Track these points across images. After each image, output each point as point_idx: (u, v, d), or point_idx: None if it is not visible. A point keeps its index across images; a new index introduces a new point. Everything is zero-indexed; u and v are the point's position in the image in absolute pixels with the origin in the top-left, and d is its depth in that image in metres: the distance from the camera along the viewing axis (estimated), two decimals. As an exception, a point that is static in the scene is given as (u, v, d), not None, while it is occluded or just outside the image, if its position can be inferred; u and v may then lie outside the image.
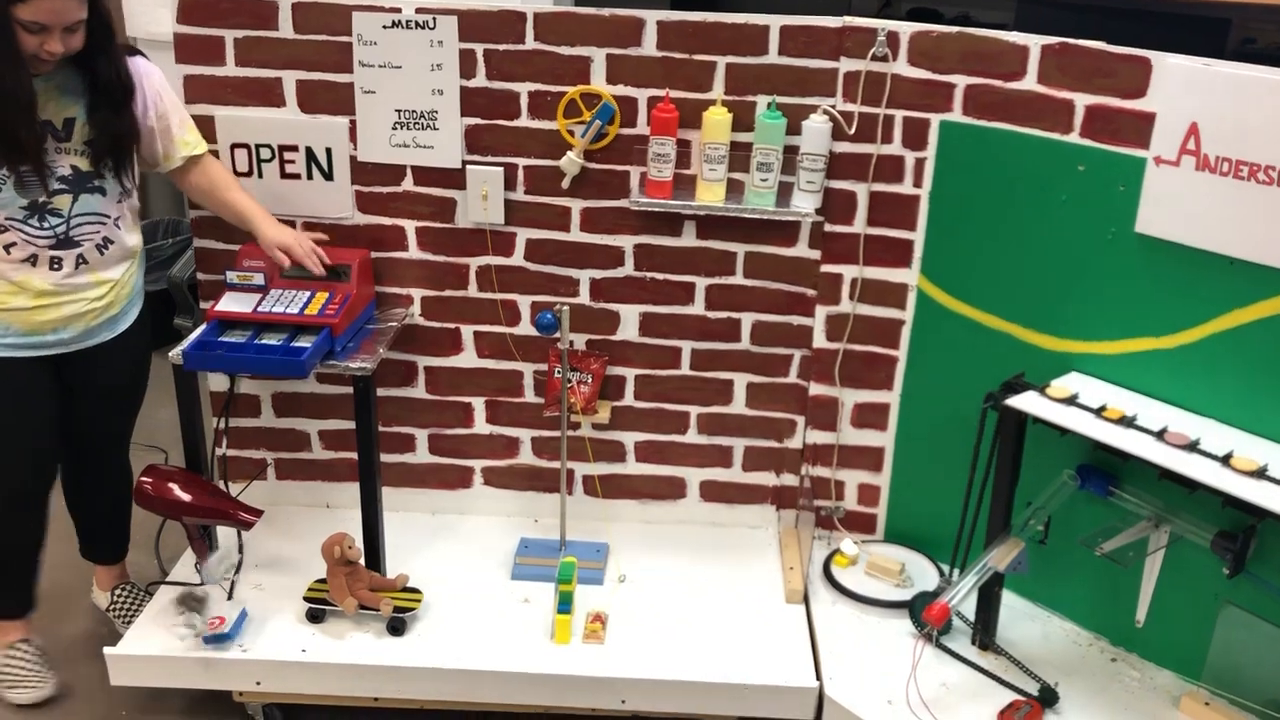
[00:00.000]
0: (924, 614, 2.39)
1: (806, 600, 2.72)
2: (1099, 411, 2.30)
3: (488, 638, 2.55)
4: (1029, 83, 2.42)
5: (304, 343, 2.47)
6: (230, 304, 2.55)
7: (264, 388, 2.94)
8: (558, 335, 2.63)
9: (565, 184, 2.68)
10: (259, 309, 2.53)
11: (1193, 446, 2.18)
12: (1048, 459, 2.45)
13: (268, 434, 2.99)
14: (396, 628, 2.55)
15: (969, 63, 2.48)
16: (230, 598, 2.64)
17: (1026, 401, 2.37)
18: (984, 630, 2.57)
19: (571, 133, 2.65)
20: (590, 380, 2.80)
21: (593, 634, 2.56)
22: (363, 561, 2.61)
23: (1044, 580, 2.67)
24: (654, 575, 2.81)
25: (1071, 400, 2.35)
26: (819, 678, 2.47)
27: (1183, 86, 2.19)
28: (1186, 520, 2.29)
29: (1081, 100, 2.35)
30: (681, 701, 2.47)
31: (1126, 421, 2.27)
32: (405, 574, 2.65)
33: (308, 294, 2.59)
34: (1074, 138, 2.38)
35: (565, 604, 2.56)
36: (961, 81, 2.50)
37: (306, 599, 2.59)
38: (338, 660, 2.48)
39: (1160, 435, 2.22)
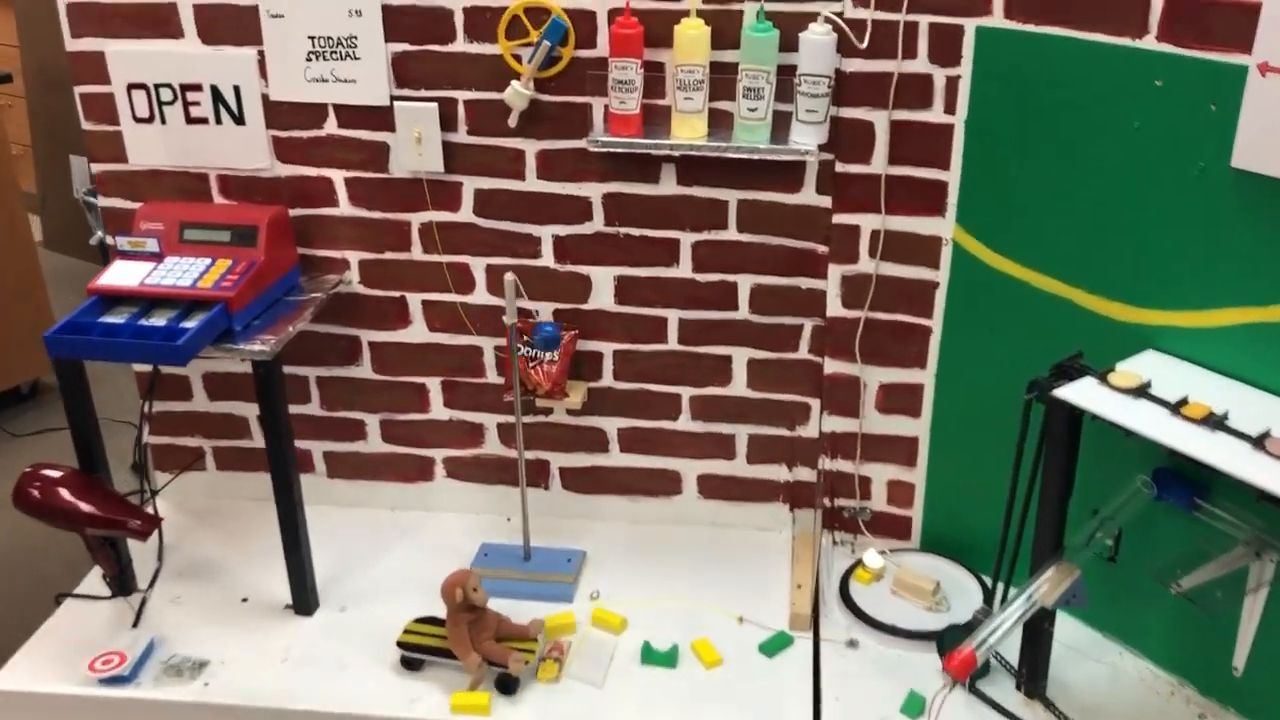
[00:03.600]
0: (945, 664, 1.88)
1: (816, 627, 2.23)
2: (1177, 407, 1.74)
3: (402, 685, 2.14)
4: (1090, -29, 1.84)
5: (192, 322, 2.06)
6: (115, 277, 2.15)
7: (193, 366, 2.55)
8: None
9: (512, 121, 2.19)
10: (146, 281, 2.13)
11: (1305, 459, 1.61)
12: (1118, 456, 1.89)
13: (202, 419, 2.60)
14: (507, 686, 2.08)
15: (1012, -52, 1.91)
16: (136, 623, 2.27)
17: (1081, 392, 1.82)
18: (1030, 675, 2.04)
19: (517, 58, 2.16)
20: (556, 357, 2.33)
21: (547, 673, 2.11)
22: (490, 604, 2.15)
23: (1114, 606, 2.12)
24: (635, 591, 2.34)
25: (1142, 391, 1.80)
26: (815, 734, 1.99)
27: (1299, -36, 1.59)
28: (1298, 550, 1.73)
29: (1160, -10, 1.76)
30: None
31: (1214, 421, 1.71)
32: (540, 619, 2.19)
33: (207, 262, 2.17)
34: (1149, 42, 1.79)
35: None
36: (1003, -26, 1.93)
37: (403, 644, 2.14)
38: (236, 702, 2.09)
39: (1260, 442, 1.65)
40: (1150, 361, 1.90)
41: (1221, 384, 1.83)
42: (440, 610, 2.13)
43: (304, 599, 2.28)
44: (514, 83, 2.14)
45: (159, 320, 2.08)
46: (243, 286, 2.11)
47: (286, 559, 2.25)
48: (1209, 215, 1.80)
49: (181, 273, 2.14)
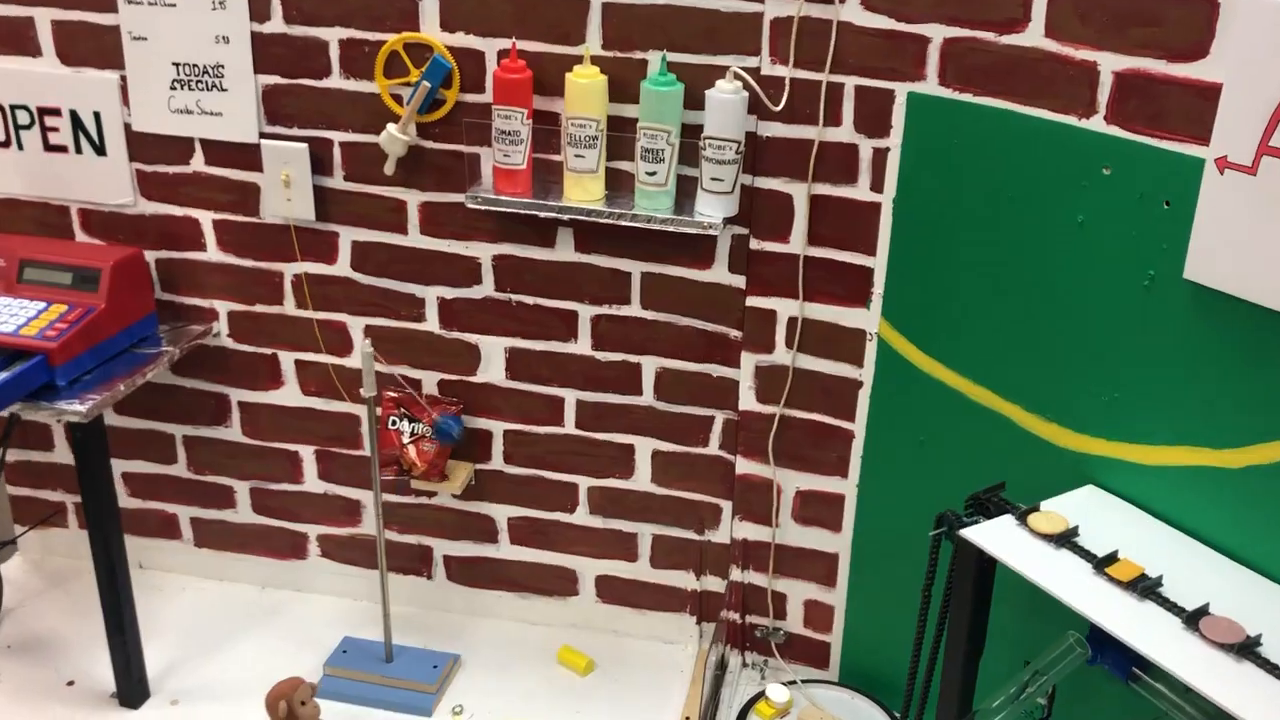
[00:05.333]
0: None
1: (698, 770, 1.93)
2: (1103, 564, 1.44)
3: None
4: (1033, 35, 1.55)
5: (7, 373, 1.83)
6: (-63, 316, 1.93)
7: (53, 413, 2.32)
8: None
9: (388, 168, 1.94)
10: (-34, 324, 1.90)
11: (1247, 648, 1.30)
12: (1051, 600, 1.58)
13: (63, 472, 2.37)
14: None
15: (949, 4, 1.63)
16: (-63, 699, 2.04)
17: (994, 534, 1.52)
18: None
19: (397, 98, 1.92)
20: (434, 434, 2.06)
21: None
22: (338, 712, 1.93)
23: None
24: (504, 709, 2.06)
25: (1066, 539, 1.49)
26: None
27: (1268, 41, 1.30)
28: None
29: (1110, 62, 1.47)
30: None
31: (1144, 587, 1.40)
32: None
33: (41, 306, 1.94)
34: (1097, 123, 1.50)
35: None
36: (938, 34, 1.65)
37: None
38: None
39: (1194, 620, 1.34)
40: (1087, 500, 1.59)
41: (1162, 534, 1.52)
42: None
43: (129, 689, 2.03)
44: (390, 126, 1.89)
45: (-27, 370, 1.85)
46: (70, 337, 1.88)
47: (110, 644, 2.00)
48: (1159, 334, 1.49)
49: (9, 316, 1.91)
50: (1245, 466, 1.44)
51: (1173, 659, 1.30)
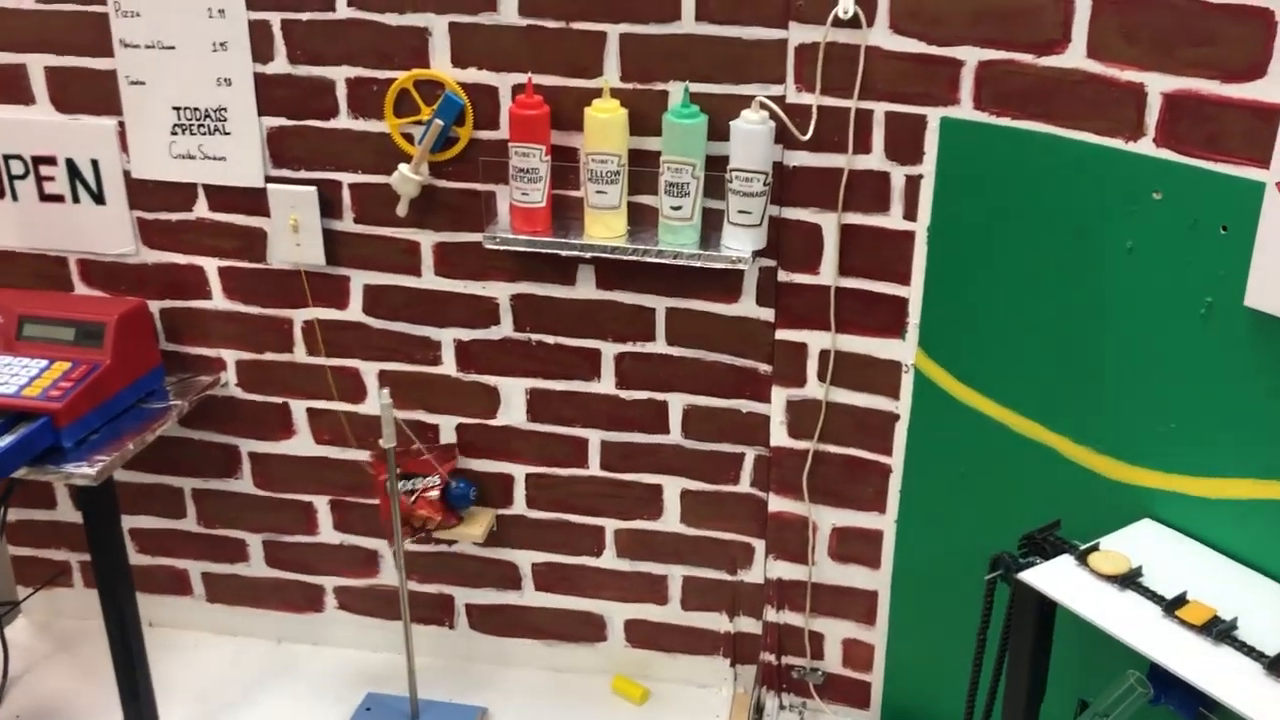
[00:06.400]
0: None
1: (742, 821, 1.87)
2: (1173, 606, 1.38)
3: None
4: (1075, 57, 1.50)
5: (5, 439, 1.75)
6: (-65, 378, 1.85)
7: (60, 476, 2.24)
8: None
9: (401, 210, 1.88)
10: (-34, 386, 1.83)
11: (1334, 695, 1.24)
12: (1105, 636, 1.52)
13: (67, 530, 2.29)
14: None
15: (983, 26, 1.57)
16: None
17: (1055, 577, 1.46)
18: None
19: (408, 137, 1.85)
20: (438, 484, 1.99)
21: None
22: None
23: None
24: (536, 762, 1.99)
25: (1130, 579, 1.43)
26: None
27: (1332, 58, 1.25)
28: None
29: (1158, 84, 1.42)
30: None
31: (1219, 631, 1.34)
32: None
33: (43, 364, 1.87)
34: (1146, 146, 1.45)
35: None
36: (972, 56, 1.60)
37: None
38: None
39: (1275, 666, 1.28)
40: (1145, 535, 1.53)
41: (1231, 572, 1.46)
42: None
43: (146, 758, 1.95)
44: (401, 166, 1.83)
45: (-25, 434, 1.78)
46: (76, 396, 1.80)
47: (123, 708, 1.93)
48: (1217, 363, 1.44)
49: (10, 376, 1.84)
50: (1316, 499, 1.39)
51: (1256, 706, 1.23)
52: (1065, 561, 1.49)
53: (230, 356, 2.07)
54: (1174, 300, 1.47)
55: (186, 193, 1.97)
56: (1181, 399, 1.49)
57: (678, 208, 1.75)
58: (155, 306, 2.04)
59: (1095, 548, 1.49)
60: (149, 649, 1.99)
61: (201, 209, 1.97)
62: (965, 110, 1.63)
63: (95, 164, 1.97)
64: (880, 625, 2.02)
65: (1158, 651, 1.33)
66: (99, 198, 1.99)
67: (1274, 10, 1.29)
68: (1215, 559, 1.48)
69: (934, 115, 1.66)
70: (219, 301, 2.03)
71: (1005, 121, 1.60)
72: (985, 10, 1.56)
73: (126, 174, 1.97)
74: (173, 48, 1.86)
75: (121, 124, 1.93)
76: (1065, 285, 1.59)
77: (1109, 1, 1.45)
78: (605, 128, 1.73)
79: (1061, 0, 1.49)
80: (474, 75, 1.80)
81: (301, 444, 2.12)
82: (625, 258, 1.81)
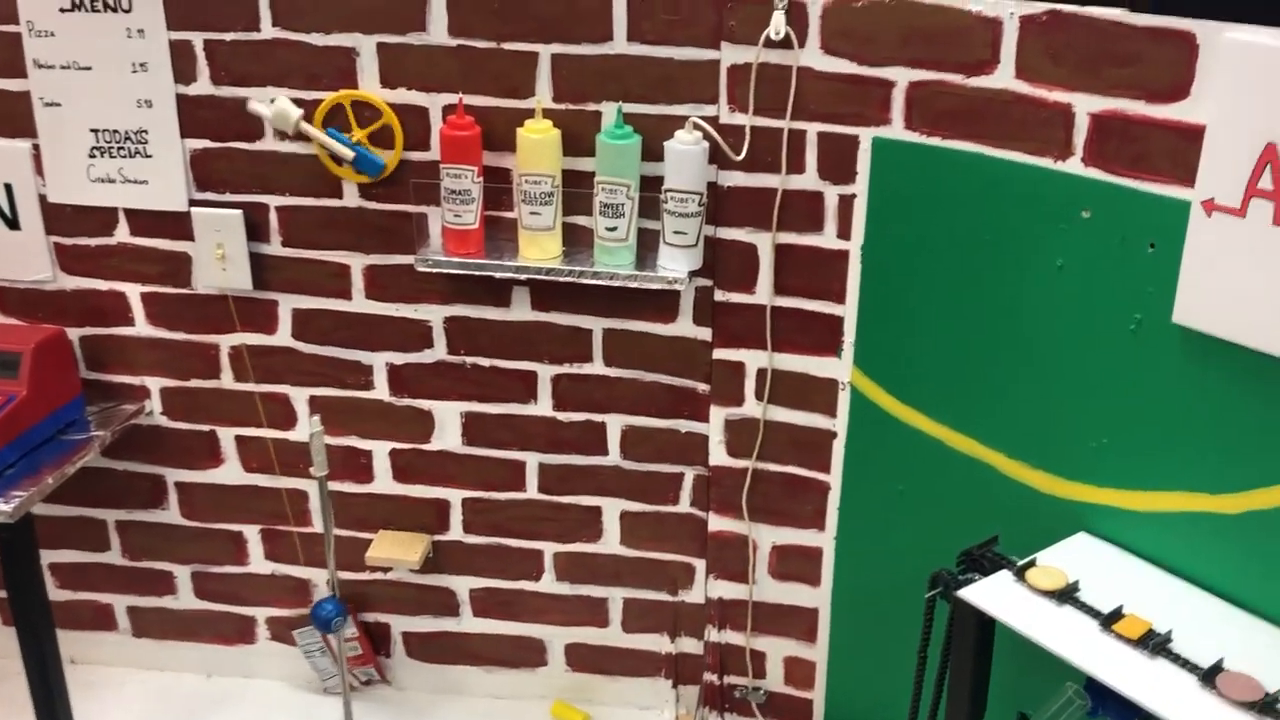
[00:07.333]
0: None
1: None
2: (1108, 621, 1.39)
3: None
4: (1003, 77, 1.52)
5: (-81, 474, 1.69)
6: None
7: (-28, 506, 2.16)
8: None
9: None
10: (-125, 421, 1.75)
11: (1269, 706, 1.26)
12: (1043, 650, 1.53)
13: (-16, 566, 2.21)
14: None
15: (913, 47, 1.59)
16: None
17: (993, 593, 1.47)
18: None
19: (337, 159, 1.82)
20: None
21: None
22: None
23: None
24: (477, 792, 1.96)
25: (1068, 594, 1.44)
26: None
27: (1252, 80, 1.27)
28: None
29: (1086, 104, 1.44)
30: None
31: (1155, 644, 1.35)
32: None
33: (-44, 397, 1.80)
34: (1074, 165, 1.47)
35: None
36: (903, 77, 1.61)
37: None
38: None
39: (1210, 678, 1.30)
40: (1081, 549, 1.55)
41: (1165, 584, 1.48)
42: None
43: (70, 804, 1.89)
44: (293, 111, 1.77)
45: (-117, 470, 1.71)
46: (-8, 429, 1.74)
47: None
48: (1148, 378, 1.46)
49: (-79, 410, 1.77)
50: (1244, 512, 1.41)
51: (1190, 718, 1.25)
52: (1003, 577, 1.50)
53: (155, 384, 2.02)
54: (1104, 317, 1.49)
55: (106, 217, 1.91)
56: (1113, 414, 1.51)
57: (613, 229, 1.74)
58: (75, 334, 1.98)
59: (1033, 563, 1.50)
60: (72, 687, 1.94)
61: (123, 233, 1.92)
62: (897, 130, 1.64)
63: (9, 188, 1.91)
64: (821, 643, 2.02)
65: (1095, 666, 1.34)
66: (13, 223, 1.93)
67: (1195, 33, 1.32)
68: (1150, 572, 1.50)
69: (866, 135, 1.67)
70: (142, 328, 1.98)
71: (936, 141, 1.61)
72: (915, 31, 1.58)
73: (42, 198, 1.91)
74: (89, 68, 1.81)
75: (36, 146, 1.87)
76: (998, 303, 1.61)
77: (1036, 23, 1.47)
78: (538, 148, 1.72)
79: (990, 22, 1.51)
80: (404, 95, 1.77)
81: (230, 472, 2.07)
82: (561, 279, 1.80)
